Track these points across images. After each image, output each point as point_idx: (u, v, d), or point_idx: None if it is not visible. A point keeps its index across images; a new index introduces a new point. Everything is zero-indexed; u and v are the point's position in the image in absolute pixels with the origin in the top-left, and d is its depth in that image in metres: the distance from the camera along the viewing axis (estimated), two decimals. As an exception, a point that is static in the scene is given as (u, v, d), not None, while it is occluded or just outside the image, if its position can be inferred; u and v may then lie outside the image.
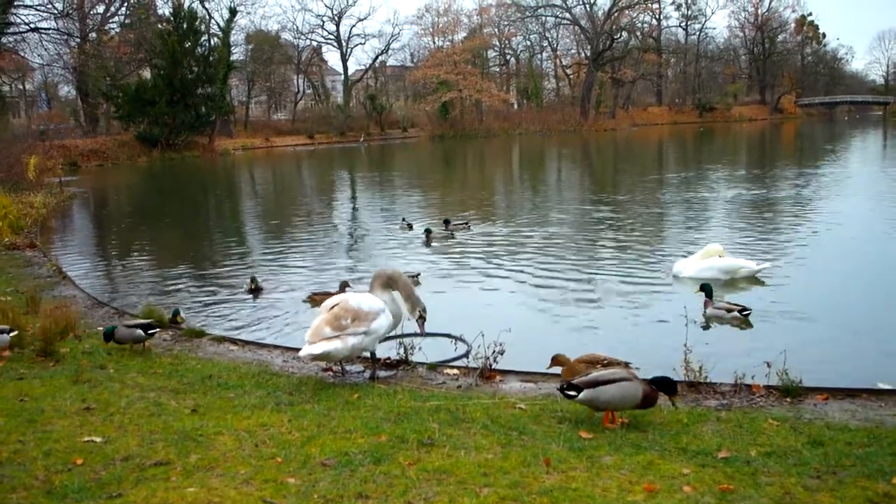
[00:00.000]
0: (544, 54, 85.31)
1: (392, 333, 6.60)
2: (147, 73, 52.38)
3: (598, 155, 43.06)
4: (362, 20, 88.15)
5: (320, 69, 79.34)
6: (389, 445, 4.48)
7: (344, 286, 9.32)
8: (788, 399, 5.43)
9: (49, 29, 36.73)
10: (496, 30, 79.99)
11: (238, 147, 56.65)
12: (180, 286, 11.08)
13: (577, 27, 78.45)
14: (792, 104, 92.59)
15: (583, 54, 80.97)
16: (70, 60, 43.40)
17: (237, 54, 62.68)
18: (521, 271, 11.01)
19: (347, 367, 6.49)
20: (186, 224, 19.56)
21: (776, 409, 5.24)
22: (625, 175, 29.09)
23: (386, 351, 6.78)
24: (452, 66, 68.70)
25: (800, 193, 18.99)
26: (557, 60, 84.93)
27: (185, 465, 4.26)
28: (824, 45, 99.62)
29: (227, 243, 15.45)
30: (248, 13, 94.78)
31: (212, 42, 54.27)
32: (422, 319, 6.25)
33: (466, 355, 6.66)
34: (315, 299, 9.27)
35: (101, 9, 49.99)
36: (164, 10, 54.41)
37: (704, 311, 8.34)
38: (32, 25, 35.63)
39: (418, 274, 10.22)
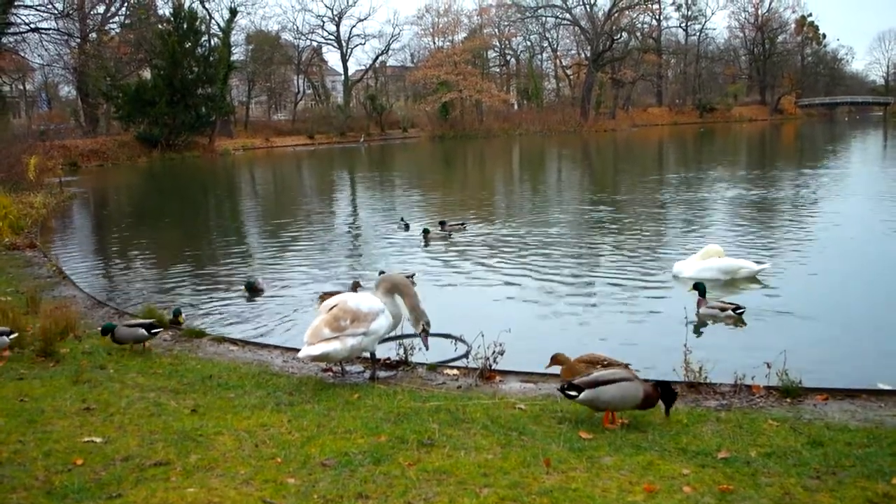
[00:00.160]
0: (544, 55, 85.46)
1: (392, 334, 6.60)
2: (147, 74, 52.39)
3: (598, 155, 43.07)
4: (362, 20, 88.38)
5: (320, 69, 79.37)
6: (389, 446, 4.48)
7: (356, 286, 9.33)
8: (788, 399, 5.43)
9: (49, 29, 36.77)
10: (496, 30, 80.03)
11: (238, 147, 56.65)
12: (180, 286, 11.08)
13: (577, 28, 78.48)
14: (792, 105, 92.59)
15: (583, 55, 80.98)
16: (70, 61, 43.42)
17: (237, 54, 62.76)
18: (521, 271, 11.01)
19: (347, 368, 6.49)
20: (186, 224, 19.57)
21: (776, 410, 5.24)
22: (625, 175, 29.10)
23: (386, 351, 6.78)
24: (452, 66, 68.72)
25: (800, 194, 18.99)
26: (557, 61, 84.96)
27: (184, 465, 4.26)
28: (824, 46, 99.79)
29: (227, 243, 15.45)
30: (249, 13, 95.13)
31: (212, 42, 54.31)
32: (425, 333, 6.24)
33: (466, 356, 6.66)
34: (326, 298, 9.25)
35: (101, 9, 50.02)
36: (165, 10, 54.56)
37: (698, 311, 8.36)
38: (33, 26, 35.66)
39: (413, 275, 10.21)
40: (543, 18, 78.49)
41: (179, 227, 18.85)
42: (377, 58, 78.30)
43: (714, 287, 9.64)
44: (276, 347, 7.43)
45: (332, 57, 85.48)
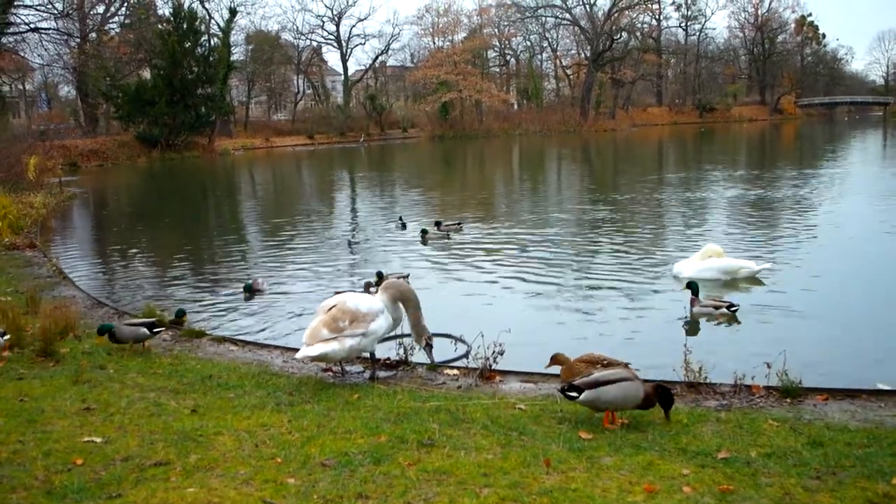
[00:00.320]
0: (544, 55, 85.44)
1: (392, 334, 6.59)
2: (147, 74, 52.37)
3: (598, 155, 43.07)
4: (362, 20, 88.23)
5: (320, 69, 79.35)
6: (389, 446, 4.48)
7: (368, 287, 9.34)
8: (788, 399, 5.43)
9: (49, 29, 36.77)
10: (496, 30, 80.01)
11: (238, 147, 56.64)
12: (180, 286, 11.08)
13: (576, 28, 78.47)
14: (792, 104, 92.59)
15: (583, 55, 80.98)
16: (70, 60, 43.41)
17: (237, 54, 62.76)
18: (521, 271, 11.01)
19: (347, 368, 6.49)
20: (186, 224, 19.56)
21: (776, 410, 5.24)
22: (624, 175, 29.10)
23: (386, 351, 6.78)
24: (452, 66, 68.70)
25: (799, 193, 18.99)
26: (557, 61, 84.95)
27: (184, 465, 4.26)
28: (824, 46, 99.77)
29: (227, 243, 15.45)
30: (248, 13, 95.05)
31: (212, 42, 54.27)
32: (429, 347, 6.24)
33: (466, 356, 6.66)
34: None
35: (101, 9, 50.05)
36: (164, 10, 54.54)
37: (691, 310, 8.38)
38: (32, 25, 35.66)
39: (407, 275, 10.22)
40: (543, 18, 78.55)
41: (179, 227, 18.85)
42: (377, 58, 78.39)
43: (714, 287, 9.65)
44: (276, 347, 7.43)
45: (332, 57, 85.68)
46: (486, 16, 77.98)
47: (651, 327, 8.15)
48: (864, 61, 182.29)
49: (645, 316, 8.56)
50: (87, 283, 11.38)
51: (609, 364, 5.59)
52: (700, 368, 5.74)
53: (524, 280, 10.48)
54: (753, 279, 9.99)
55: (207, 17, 57.34)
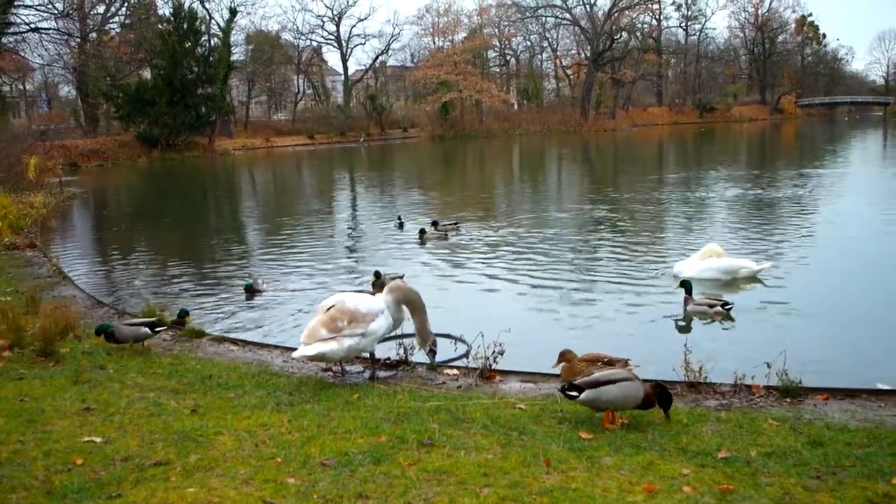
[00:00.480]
0: (544, 55, 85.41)
1: (392, 334, 6.59)
2: (147, 74, 52.37)
3: (598, 155, 43.07)
4: (362, 20, 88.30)
5: (320, 69, 79.34)
6: (389, 446, 4.48)
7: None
8: (788, 399, 5.43)
9: (49, 29, 36.77)
10: (496, 30, 79.99)
11: (238, 147, 56.63)
12: (180, 286, 11.08)
13: (577, 27, 78.44)
14: (792, 104, 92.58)
15: (583, 55, 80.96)
16: (70, 60, 43.41)
17: (237, 54, 62.74)
18: (521, 271, 11.01)
19: (347, 368, 6.48)
20: (186, 224, 19.57)
21: (776, 410, 5.24)
22: (625, 175, 29.10)
23: (386, 351, 6.78)
24: (452, 66, 68.68)
25: (799, 193, 18.99)
26: (557, 61, 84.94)
27: (184, 465, 4.26)
28: (824, 46, 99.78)
29: (227, 243, 15.46)
30: (249, 13, 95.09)
31: (212, 42, 54.27)
32: (432, 353, 6.23)
33: (466, 355, 6.66)
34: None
35: (101, 9, 50.03)
36: (165, 10, 54.54)
37: (685, 308, 8.39)
38: (33, 25, 35.67)
39: (402, 276, 10.22)
40: (543, 18, 78.51)
41: (179, 227, 18.85)
42: (377, 58, 78.36)
43: (715, 287, 9.65)
44: (276, 347, 7.43)
45: (332, 57, 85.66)
46: (487, 16, 77.99)
47: (651, 327, 8.15)
48: (864, 61, 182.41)
49: (645, 316, 8.56)
50: (87, 282, 11.38)
51: (609, 362, 5.59)
52: (700, 368, 5.75)
53: (524, 280, 10.48)
54: (754, 279, 9.99)
55: (208, 17, 57.40)
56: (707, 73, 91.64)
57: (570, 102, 78.05)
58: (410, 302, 6.20)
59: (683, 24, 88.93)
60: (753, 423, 4.86)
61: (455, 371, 6.39)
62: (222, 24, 56.86)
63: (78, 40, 42.28)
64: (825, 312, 8.47)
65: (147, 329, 7.04)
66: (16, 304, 8.35)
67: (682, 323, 8.29)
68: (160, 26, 50.32)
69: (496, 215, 17.77)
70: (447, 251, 12.95)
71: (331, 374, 6.40)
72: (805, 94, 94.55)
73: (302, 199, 25.66)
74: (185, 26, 48.03)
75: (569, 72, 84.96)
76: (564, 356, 5.67)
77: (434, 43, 78.09)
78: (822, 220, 14.88)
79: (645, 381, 4.97)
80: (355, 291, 7.66)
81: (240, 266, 12.56)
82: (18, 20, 35.60)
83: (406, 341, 6.73)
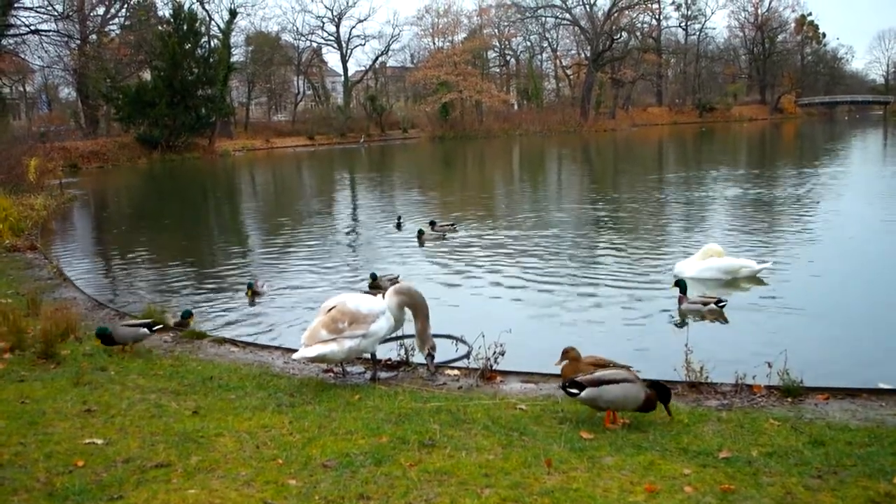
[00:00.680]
0: (544, 55, 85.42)
1: (393, 335, 6.59)
2: (147, 75, 52.38)
3: (598, 155, 43.07)
4: (362, 21, 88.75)
5: (320, 70, 79.36)
6: (390, 446, 4.48)
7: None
8: (789, 399, 5.43)
9: (49, 31, 36.77)
10: (496, 30, 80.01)
11: (238, 148, 56.64)
12: (181, 288, 11.09)
13: (576, 28, 78.45)
14: (792, 104, 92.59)
15: (583, 55, 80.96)
16: (70, 62, 43.43)
17: (237, 56, 62.73)
18: (522, 272, 11.00)
19: (348, 369, 6.49)
20: (187, 226, 19.57)
21: (777, 409, 5.24)
22: (625, 175, 29.10)
23: (387, 352, 6.78)
24: (452, 66, 68.69)
25: (800, 193, 18.98)
26: (557, 61, 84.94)
27: (185, 466, 4.26)
28: (824, 45, 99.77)
29: (228, 245, 15.46)
30: (248, 15, 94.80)
31: (212, 44, 54.28)
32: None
33: (467, 356, 6.66)
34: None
35: (101, 11, 50.04)
36: (165, 11, 54.56)
37: (680, 307, 8.40)
38: (33, 27, 35.68)
39: (397, 277, 10.24)
40: (543, 18, 78.54)
41: (180, 229, 18.85)
42: (377, 58, 78.38)
43: (716, 286, 9.65)
44: (277, 349, 7.44)
45: (332, 58, 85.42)
46: (486, 16, 78.00)
47: (652, 327, 8.15)
48: (864, 60, 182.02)
49: (646, 315, 8.56)
50: (87, 284, 11.38)
51: (612, 367, 5.58)
52: (701, 368, 5.75)
53: (525, 280, 10.47)
54: (754, 278, 9.99)
55: (207, 18, 57.44)
56: (707, 72, 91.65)
57: (570, 102, 78.04)
58: (415, 306, 6.20)
59: (683, 24, 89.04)
60: (754, 423, 4.86)
61: (456, 372, 6.40)
62: (222, 25, 56.94)
63: (78, 42, 42.31)
64: (825, 312, 8.46)
65: (145, 329, 7.07)
66: (16, 307, 8.35)
67: (676, 321, 8.31)
68: (160, 28, 50.34)
69: (496, 215, 17.76)
70: (447, 252, 12.95)
71: (332, 375, 6.41)
72: (805, 93, 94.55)
73: (302, 200, 25.66)
74: (185, 28, 48.06)
75: (569, 72, 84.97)
76: (568, 353, 5.66)
77: (434, 43, 78.15)
78: (822, 220, 14.87)
79: (646, 381, 4.97)
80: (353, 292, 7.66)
81: (240, 267, 12.57)
82: (18, 22, 35.65)
83: (407, 342, 6.73)
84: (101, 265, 14.06)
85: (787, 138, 52.94)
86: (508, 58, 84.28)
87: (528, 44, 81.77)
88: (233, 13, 55.81)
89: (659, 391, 4.84)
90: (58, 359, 6.69)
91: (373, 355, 6.28)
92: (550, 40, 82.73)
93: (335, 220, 19.01)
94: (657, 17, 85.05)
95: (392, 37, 78.50)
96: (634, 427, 4.88)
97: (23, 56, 39.72)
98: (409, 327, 6.61)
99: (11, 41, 36.09)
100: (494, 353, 6.15)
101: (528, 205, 20.07)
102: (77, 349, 7.11)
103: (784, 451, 4.35)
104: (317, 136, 64.78)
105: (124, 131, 50.09)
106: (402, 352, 6.66)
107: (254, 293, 10.03)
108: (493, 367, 6.17)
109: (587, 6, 75.57)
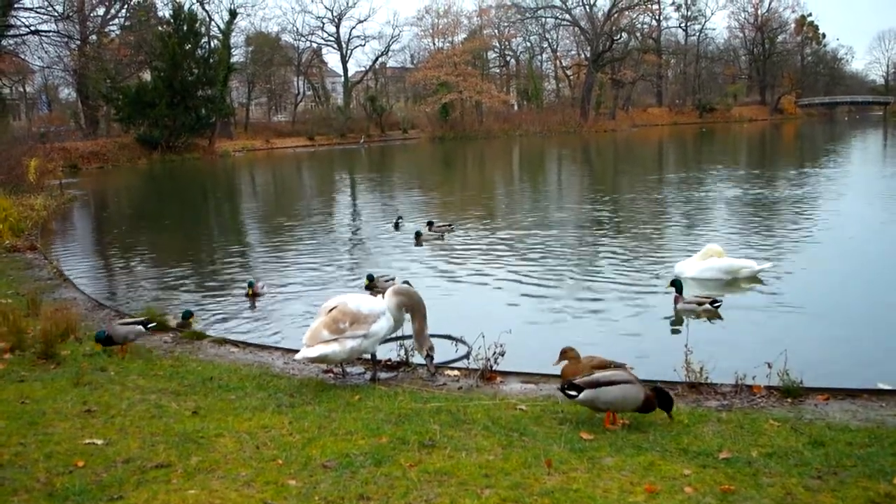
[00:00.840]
0: (544, 55, 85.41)
1: (393, 335, 6.59)
2: (147, 76, 52.40)
3: (598, 156, 43.07)
4: (362, 22, 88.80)
5: (320, 71, 79.37)
6: (390, 447, 4.48)
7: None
8: (789, 399, 5.43)
9: (49, 31, 36.80)
10: (496, 31, 80.00)
11: (238, 149, 56.65)
12: (181, 288, 11.09)
13: (576, 28, 78.46)
14: (792, 104, 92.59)
15: (583, 55, 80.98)
16: (70, 63, 43.48)
17: (237, 56, 62.73)
18: (522, 272, 11.00)
19: (348, 369, 6.49)
20: (187, 226, 19.57)
21: (777, 410, 5.24)
22: (625, 176, 29.10)
23: (387, 352, 6.78)
24: (452, 67, 68.69)
25: (800, 193, 18.99)
26: (557, 61, 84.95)
27: (185, 467, 4.26)
28: (824, 46, 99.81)
29: (228, 245, 15.46)
30: (248, 15, 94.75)
31: (212, 44, 54.30)
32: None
33: (467, 357, 6.66)
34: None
35: (101, 11, 50.09)
36: (164, 12, 54.59)
37: (675, 307, 8.41)
38: (33, 28, 35.71)
39: (392, 278, 10.24)
40: (543, 19, 78.55)
41: (180, 230, 18.85)
42: (377, 59, 78.38)
43: (716, 287, 9.65)
44: (277, 349, 7.44)
45: (332, 58, 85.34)
46: (486, 17, 78.00)
47: (652, 327, 8.16)
48: (864, 61, 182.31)
49: (646, 316, 8.56)
50: (87, 285, 11.38)
51: (612, 367, 5.57)
52: (701, 368, 5.75)
53: (525, 281, 10.48)
54: (754, 279, 9.99)
55: (207, 18, 57.46)
56: (707, 73, 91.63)
57: (569, 103, 78.03)
58: (414, 307, 6.21)
59: (683, 25, 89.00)
60: (754, 424, 4.86)
61: (456, 372, 6.40)
62: (222, 25, 56.95)
63: (78, 42, 42.35)
64: (825, 312, 8.46)
65: (140, 327, 7.13)
66: (16, 307, 8.35)
67: (672, 321, 8.31)
68: (160, 28, 50.37)
69: (496, 216, 17.77)
70: (447, 252, 12.95)
71: (332, 375, 6.41)
72: (805, 94, 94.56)
73: (302, 200, 25.66)
74: (185, 28, 48.06)
75: (569, 72, 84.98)
76: (566, 354, 5.66)
77: (434, 44, 78.16)
78: (822, 220, 14.88)
79: (645, 383, 4.97)
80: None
81: (240, 268, 12.57)
82: (18, 22, 35.67)
83: (407, 343, 6.73)
84: (101, 265, 14.06)
85: (786, 139, 52.95)
86: (508, 58, 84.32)
87: (528, 44, 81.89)
88: (233, 14, 55.84)
89: (660, 398, 4.83)
90: (58, 359, 6.69)
91: (373, 356, 6.29)
92: (550, 41, 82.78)
93: (335, 221, 19.01)
94: (657, 17, 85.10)
95: (392, 37, 78.58)
96: (634, 428, 4.88)
97: (23, 56, 39.75)
98: (409, 328, 6.62)
99: (11, 42, 36.12)
100: (494, 353, 6.15)
101: (528, 205, 20.07)
102: (77, 349, 7.11)
103: (784, 451, 4.35)
104: (317, 136, 64.79)
105: (124, 132, 50.10)
106: (402, 352, 6.66)
107: (254, 294, 10.03)
108: (493, 368, 6.17)
109: (587, 7, 75.63)
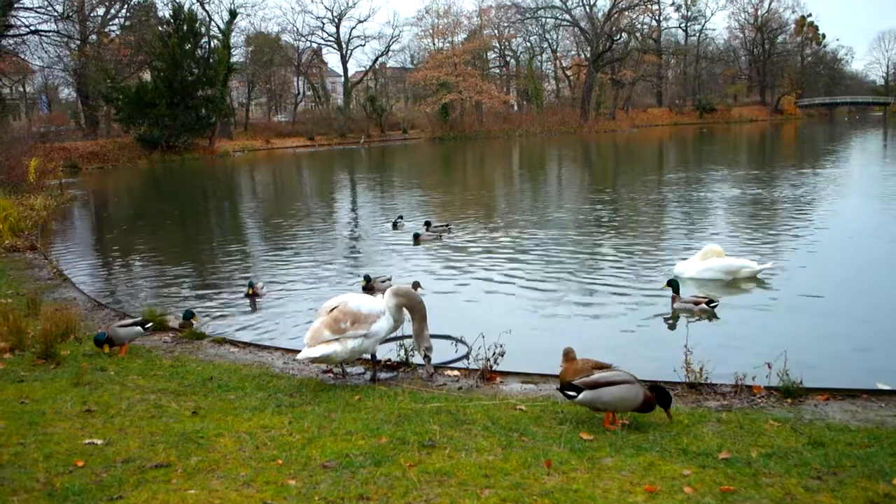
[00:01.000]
0: (544, 56, 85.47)
1: (393, 335, 6.60)
2: (147, 76, 52.46)
3: (598, 156, 43.07)
4: (362, 22, 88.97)
5: (320, 71, 79.44)
6: (390, 447, 4.48)
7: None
8: (789, 400, 5.43)
9: (49, 31, 36.90)
10: (496, 31, 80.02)
11: (238, 149, 56.69)
12: (181, 288, 11.09)
13: (576, 28, 78.54)
14: (792, 105, 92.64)
15: (583, 56, 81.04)
16: (70, 63, 43.55)
17: (237, 56, 62.78)
18: (522, 272, 11.00)
19: (348, 369, 6.49)
20: (187, 226, 19.57)
21: (777, 410, 5.24)
22: (625, 176, 29.09)
23: (387, 352, 6.78)
24: (452, 67, 68.74)
25: (799, 193, 18.98)
26: (557, 62, 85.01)
27: (185, 467, 4.26)
28: (824, 46, 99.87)
29: (228, 245, 15.46)
30: (248, 15, 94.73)
31: (212, 44, 54.29)
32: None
33: (467, 357, 6.66)
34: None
35: (101, 11, 50.13)
36: (165, 12, 54.60)
37: (672, 307, 8.41)
38: (33, 28, 35.79)
39: (389, 278, 10.24)
40: (543, 19, 78.60)
41: (180, 230, 18.86)
42: (377, 59, 78.45)
43: (716, 287, 9.65)
44: (277, 349, 7.44)
45: (332, 58, 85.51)
46: (486, 17, 77.99)
47: (652, 328, 8.15)
48: (864, 61, 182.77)
49: (646, 316, 8.55)
50: (87, 285, 11.38)
51: (612, 367, 5.57)
52: (701, 369, 5.75)
53: (525, 281, 10.47)
54: (754, 279, 9.99)
55: (207, 18, 57.52)
56: (707, 73, 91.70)
57: (569, 103, 78.11)
58: (413, 307, 6.21)
59: (683, 25, 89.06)
60: (754, 424, 4.86)
61: (456, 372, 6.40)
62: (222, 25, 56.95)
63: (78, 42, 42.42)
64: (825, 312, 8.46)
65: (139, 328, 7.19)
66: (16, 307, 8.36)
67: (672, 322, 8.32)
68: (160, 28, 50.39)
69: (496, 216, 17.76)
70: (447, 252, 12.95)
71: (331, 375, 6.41)
72: (805, 94, 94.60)
73: (302, 200, 25.66)
74: (185, 28, 48.10)
75: (569, 73, 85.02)
76: (568, 355, 5.66)
77: (434, 44, 78.15)
78: (821, 220, 14.87)
79: (646, 385, 4.97)
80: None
81: (240, 267, 12.56)
82: (18, 22, 35.72)
83: (407, 343, 6.73)
84: (101, 265, 14.06)
85: (787, 139, 52.96)
86: (508, 59, 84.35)
87: (528, 45, 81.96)
88: (233, 14, 55.86)
89: (659, 395, 4.84)
90: (57, 359, 6.69)
91: (373, 356, 6.29)
92: (550, 41, 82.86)
93: (335, 221, 19.01)
94: (657, 18, 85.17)
95: (392, 37, 78.79)
96: (634, 428, 4.88)
97: (23, 56, 39.82)
98: (409, 328, 6.62)
99: (11, 41, 36.16)
100: (494, 353, 6.15)
101: (528, 206, 20.06)
102: (77, 349, 7.11)
103: (783, 451, 4.35)
104: (317, 136, 64.84)
105: (124, 132, 50.14)
106: (402, 352, 6.66)
107: (254, 293, 10.03)
108: (493, 368, 6.17)
109: (587, 7, 75.69)
